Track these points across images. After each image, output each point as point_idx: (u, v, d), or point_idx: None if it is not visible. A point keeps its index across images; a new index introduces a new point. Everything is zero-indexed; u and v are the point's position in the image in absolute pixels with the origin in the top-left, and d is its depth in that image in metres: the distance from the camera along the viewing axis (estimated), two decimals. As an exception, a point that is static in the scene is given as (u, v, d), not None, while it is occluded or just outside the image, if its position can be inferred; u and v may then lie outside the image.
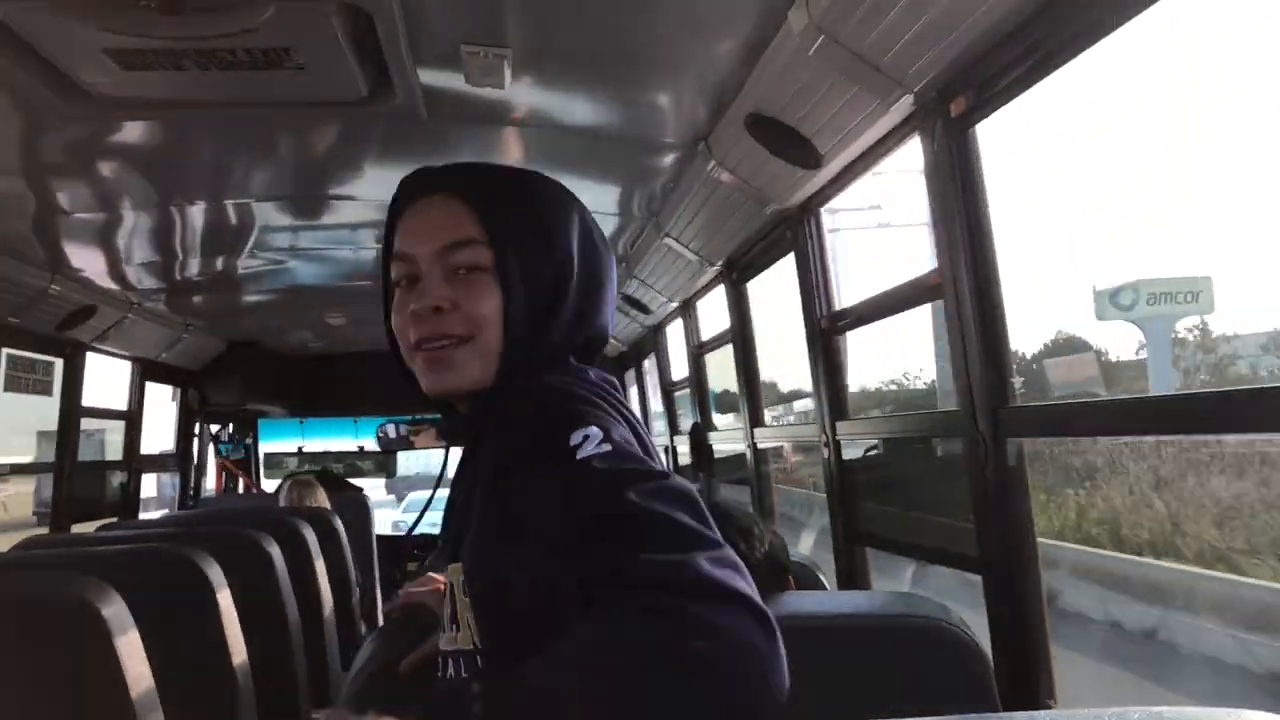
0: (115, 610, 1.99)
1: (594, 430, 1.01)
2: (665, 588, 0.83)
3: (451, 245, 1.13)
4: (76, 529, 4.11)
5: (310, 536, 3.80)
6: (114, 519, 4.48)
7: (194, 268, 3.80)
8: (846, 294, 2.52)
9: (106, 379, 4.56)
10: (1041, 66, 1.49)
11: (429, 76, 2.07)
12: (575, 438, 1.00)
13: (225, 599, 2.68)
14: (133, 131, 2.33)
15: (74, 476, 4.08)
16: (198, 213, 3.08)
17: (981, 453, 1.72)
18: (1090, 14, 1.35)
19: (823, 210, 2.46)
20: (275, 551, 3.28)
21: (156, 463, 5.30)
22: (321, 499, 4.85)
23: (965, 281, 1.74)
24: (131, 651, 1.98)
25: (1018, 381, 1.73)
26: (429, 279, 1.13)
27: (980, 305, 1.72)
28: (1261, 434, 1.21)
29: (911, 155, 1.90)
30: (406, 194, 1.21)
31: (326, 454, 6.70)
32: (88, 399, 4.21)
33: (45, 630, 1.94)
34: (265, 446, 6.52)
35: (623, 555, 0.87)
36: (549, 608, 0.94)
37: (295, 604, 3.35)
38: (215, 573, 2.66)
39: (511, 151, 2.71)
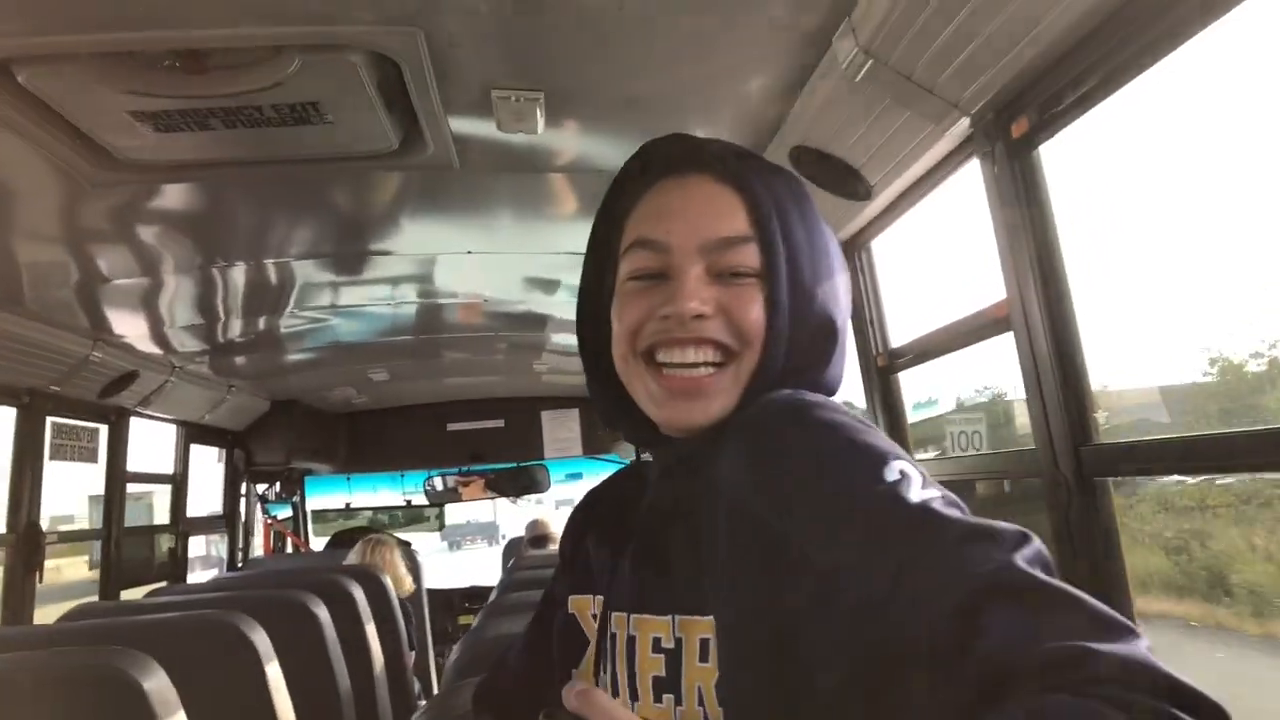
0: (157, 684, 1.96)
1: (909, 469, 0.80)
2: (1119, 682, 0.60)
3: (724, 242, 0.96)
4: (127, 594, 4.08)
5: (359, 596, 3.77)
6: (163, 583, 4.45)
7: (234, 329, 3.78)
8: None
9: (152, 442, 4.55)
10: (1111, 81, 1.38)
11: (460, 125, 2.01)
12: (890, 473, 0.79)
13: (274, 671, 2.63)
14: (165, 194, 2.29)
15: (122, 542, 4.06)
16: (235, 273, 3.04)
17: (1064, 495, 1.60)
18: (1163, 22, 1.25)
19: (873, 243, 2.37)
20: (323, 614, 3.25)
21: (204, 525, 5.27)
22: (397, 559, 4.82)
23: (1037, 312, 1.63)
24: (176, 727, 1.94)
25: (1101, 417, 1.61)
26: (688, 277, 0.95)
27: (1055, 336, 1.61)
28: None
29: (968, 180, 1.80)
30: (650, 168, 1.03)
31: (374, 509, 6.66)
32: (136, 464, 4.19)
33: (89, 706, 1.89)
34: (312, 503, 6.49)
35: (1039, 638, 0.64)
36: (853, 682, 0.74)
37: (345, 668, 3.30)
38: (263, 641, 2.62)
39: (548, 199, 2.64)
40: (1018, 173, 1.63)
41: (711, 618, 0.85)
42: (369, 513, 7.02)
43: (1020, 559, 0.70)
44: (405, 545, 5.64)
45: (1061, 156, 1.60)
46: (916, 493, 0.77)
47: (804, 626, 0.78)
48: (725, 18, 1.67)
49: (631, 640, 0.94)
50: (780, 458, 0.85)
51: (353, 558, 4.84)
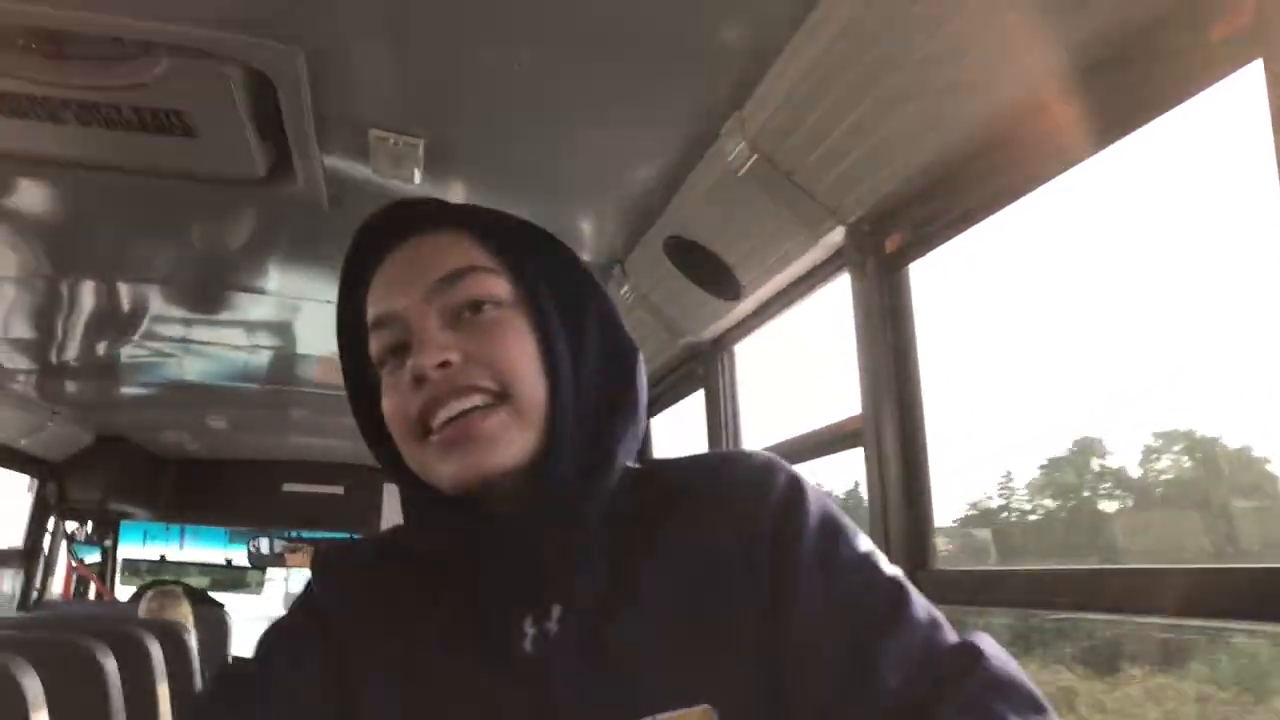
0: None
1: (870, 543, 0.83)
2: None
3: (447, 278, 0.84)
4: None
5: (156, 652, 3.53)
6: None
7: (70, 350, 3.51)
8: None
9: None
10: (990, 203, 1.39)
11: (333, 161, 1.92)
12: (864, 543, 0.82)
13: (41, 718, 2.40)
14: (7, 187, 2.12)
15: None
16: (80, 289, 2.84)
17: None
18: (1045, 153, 1.27)
19: (736, 347, 2.35)
20: (111, 665, 3.01)
21: (-2, 558, 4.87)
22: (185, 614, 4.56)
23: (889, 431, 1.61)
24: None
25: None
26: (423, 333, 0.82)
27: (904, 455, 1.60)
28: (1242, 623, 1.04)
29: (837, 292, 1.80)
30: (377, 246, 0.89)
31: (190, 564, 6.28)
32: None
33: None
34: (125, 550, 6.07)
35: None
36: None
37: (127, 726, 3.06)
38: (34, 687, 2.39)
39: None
40: (885, 289, 1.63)
41: (703, 706, 0.75)
42: (189, 568, 6.60)
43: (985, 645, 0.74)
44: (218, 606, 5.31)
45: (929, 277, 1.61)
46: (887, 566, 0.80)
47: (788, 696, 0.77)
48: (620, 95, 1.66)
49: None
50: (780, 519, 0.82)
51: (140, 610, 4.56)
